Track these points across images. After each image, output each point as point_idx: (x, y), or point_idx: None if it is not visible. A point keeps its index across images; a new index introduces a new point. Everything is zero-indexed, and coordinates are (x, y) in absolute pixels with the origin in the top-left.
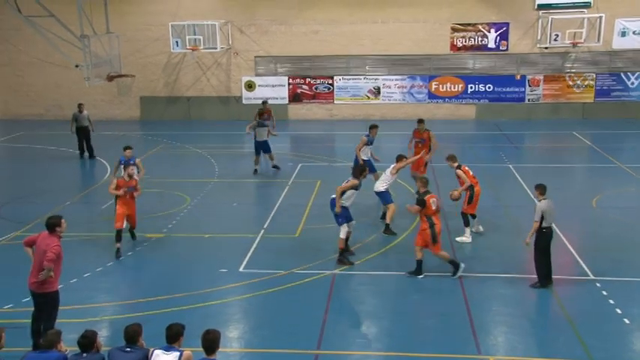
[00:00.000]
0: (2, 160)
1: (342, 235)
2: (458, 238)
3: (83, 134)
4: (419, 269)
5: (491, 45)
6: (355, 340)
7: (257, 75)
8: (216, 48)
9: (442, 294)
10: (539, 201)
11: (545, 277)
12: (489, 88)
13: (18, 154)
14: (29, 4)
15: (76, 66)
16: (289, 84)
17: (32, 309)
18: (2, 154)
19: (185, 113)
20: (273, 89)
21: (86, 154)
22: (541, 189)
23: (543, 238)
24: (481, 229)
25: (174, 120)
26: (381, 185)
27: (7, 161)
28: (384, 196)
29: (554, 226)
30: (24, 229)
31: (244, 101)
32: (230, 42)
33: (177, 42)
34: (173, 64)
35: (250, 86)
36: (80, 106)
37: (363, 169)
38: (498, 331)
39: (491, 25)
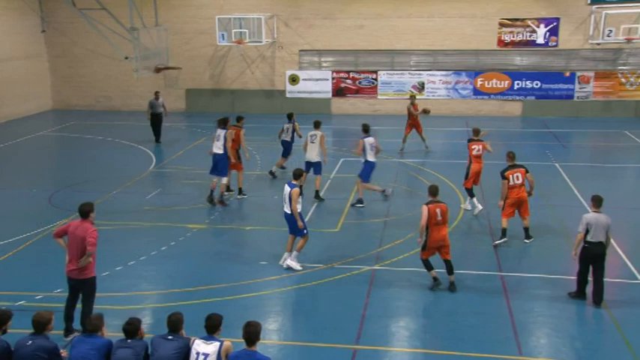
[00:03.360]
0: (55, 148)
1: (226, 182)
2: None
3: (157, 120)
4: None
5: (540, 41)
6: (394, 337)
7: (301, 69)
8: (261, 41)
9: (483, 293)
10: (589, 212)
11: (583, 290)
12: (537, 84)
13: (69, 144)
14: None
15: (126, 58)
16: (333, 78)
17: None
18: (55, 143)
19: (229, 106)
20: (317, 83)
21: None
22: (594, 201)
23: (585, 253)
24: (469, 207)
25: (219, 112)
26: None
27: (59, 150)
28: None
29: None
30: (73, 216)
31: (288, 95)
32: (275, 35)
33: (223, 35)
34: (219, 56)
35: (294, 80)
36: (157, 93)
37: (225, 120)
38: (541, 332)
39: (540, 20)
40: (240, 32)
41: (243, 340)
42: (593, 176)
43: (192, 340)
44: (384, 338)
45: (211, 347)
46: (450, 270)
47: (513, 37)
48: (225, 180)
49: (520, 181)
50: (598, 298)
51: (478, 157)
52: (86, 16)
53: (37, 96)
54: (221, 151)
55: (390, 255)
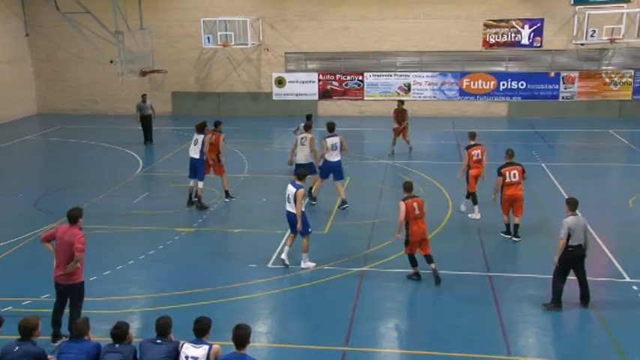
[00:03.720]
0: (41, 152)
1: (202, 185)
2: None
3: (146, 122)
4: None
5: (525, 41)
6: (383, 338)
7: (287, 71)
8: (247, 44)
9: (471, 293)
10: (568, 217)
11: (559, 298)
12: (522, 85)
13: (56, 148)
14: (67, 2)
15: (111, 61)
16: (319, 80)
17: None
18: (41, 147)
19: (215, 109)
20: (303, 85)
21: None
22: (570, 204)
23: (566, 256)
24: (463, 209)
25: (205, 115)
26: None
27: (46, 154)
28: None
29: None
30: (60, 221)
31: (274, 97)
32: (261, 38)
33: (208, 38)
34: (204, 59)
35: (280, 82)
36: (144, 96)
37: (203, 125)
38: (529, 332)
39: (525, 21)
40: (226, 35)
41: (232, 343)
42: (579, 176)
43: (181, 344)
44: (373, 339)
45: (200, 351)
46: (429, 260)
47: (498, 38)
48: (201, 184)
49: (517, 179)
50: (585, 301)
51: (478, 161)
52: (70, 19)
53: (21, 100)
54: (197, 156)
55: (378, 256)
